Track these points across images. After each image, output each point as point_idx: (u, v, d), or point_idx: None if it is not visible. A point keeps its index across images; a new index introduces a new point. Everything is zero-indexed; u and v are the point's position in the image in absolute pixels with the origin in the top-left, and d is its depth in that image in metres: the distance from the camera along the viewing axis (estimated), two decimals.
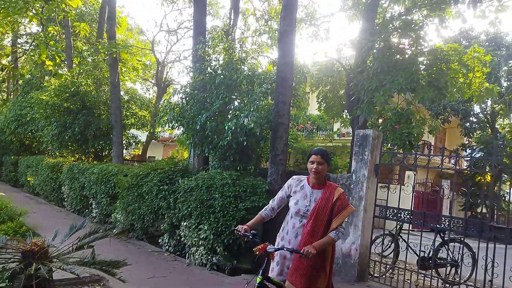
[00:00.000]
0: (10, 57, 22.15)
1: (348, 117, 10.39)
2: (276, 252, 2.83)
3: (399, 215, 5.81)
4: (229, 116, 6.90)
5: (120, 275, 3.38)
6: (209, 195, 5.82)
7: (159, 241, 6.95)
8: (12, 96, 22.19)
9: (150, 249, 6.75)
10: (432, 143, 21.02)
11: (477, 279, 5.28)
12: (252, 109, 6.14)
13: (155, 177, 7.12)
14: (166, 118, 6.99)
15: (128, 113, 13.36)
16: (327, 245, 2.77)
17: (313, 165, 2.89)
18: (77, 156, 12.53)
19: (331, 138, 18.93)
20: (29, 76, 18.42)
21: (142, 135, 16.65)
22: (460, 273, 5.79)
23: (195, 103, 6.89)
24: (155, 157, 18.30)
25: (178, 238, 6.36)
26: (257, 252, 2.63)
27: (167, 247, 6.70)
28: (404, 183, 15.18)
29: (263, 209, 3.14)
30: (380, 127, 8.59)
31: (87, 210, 9.78)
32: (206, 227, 5.62)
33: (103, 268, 3.32)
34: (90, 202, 9.55)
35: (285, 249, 2.73)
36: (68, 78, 12.51)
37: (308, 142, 20.74)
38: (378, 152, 6.17)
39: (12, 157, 16.35)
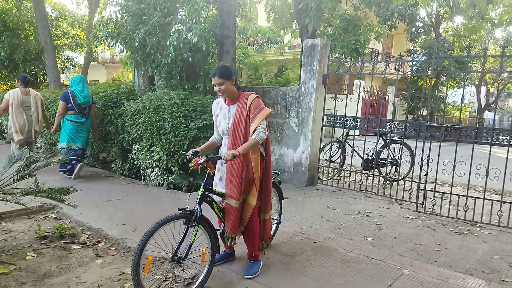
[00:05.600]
0: None
1: (297, 27, 10.10)
2: (217, 167, 3.09)
3: (345, 122, 6.06)
4: (171, 31, 6.42)
5: (70, 200, 3.33)
6: (158, 116, 5.65)
7: (112, 166, 6.85)
8: None
9: (104, 175, 6.67)
10: (380, 51, 21.44)
11: (414, 174, 5.86)
12: (194, 21, 5.72)
13: (98, 102, 6.74)
14: (101, 35, 6.37)
15: (58, 32, 12.05)
16: (250, 147, 2.76)
17: (215, 87, 2.91)
18: (9, 84, 11.44)
19: (282, 51, 18.62)
20: None
21: (79, 57, 15.30)
22: (399, 170, 6.38)
23: (131, 17, 6.29)
24: (97, 80, 17.11)
25: (131, 161, 6.29)
26: (194, 167, 2.72)
27: (121, 171, 6.64)
28: (352, 92, 15.71)
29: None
30: (328, 36, 8.48)
31: (54, 148, 9.26)
32: (158, 149, 5.57)
33: (50, 196, 3.22)
34: (85, 148, 8.98)
35: (210, 157, 2.78)
36: None
37: (259, 56, 20.31)
38: (326, 61, 6.17)
39: None
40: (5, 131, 9.57)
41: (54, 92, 8.66)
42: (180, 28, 6.40)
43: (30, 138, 6.32)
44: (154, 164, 5.75)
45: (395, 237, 4.12)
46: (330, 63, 6.24)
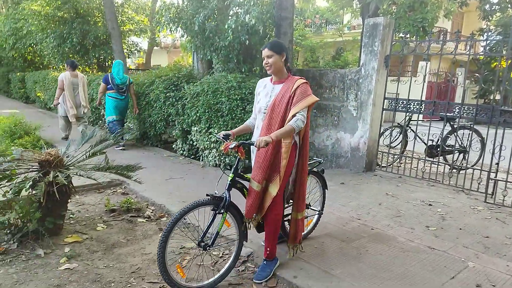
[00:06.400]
0: None
1: (358, 6, 9.64)
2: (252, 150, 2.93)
3: (408, 106, 5.74)
4: (229, 14, 6.46)
5: (136, 177, 3.55)
6: (215, 99, 5.78)
7: (173, 146, 7.18)
8: (3, 9, 21.05)
9: (166, 154, 7.01)
10: (449, 30, 19.81)
11: (484, 163, 5.42)
12: (252, 3, 5.69)
13: (160, 85, 7.05)
14: (163, 20, 6.59)
15: (124, 18, 12.69)
16: (285, 134, 2.56)
17: (264, 61, 2.75)
18: (80, 68, 12.34)
19: (341, 32, 17.95)
20: None
21: (143, 43, 16.06)
22: (467, 158, 5.93)
23: (191, 1, 6.42)
24: (160, 65, 17.86)
25: (190, 142, 6.53)
26: (224, 151, 2.62)
27: (181, 151, 6.94)
28: (417, 74, 14.78)
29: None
30: (392, 14, 7.99)
31: (100, 121, 10.00)
32: (216, 131, 5.72)
33: (119, 172, 3.47)
34: (101, 113, 9.68)
35: (242, 142, 2.65)
36: None
37: (317, 38, 19.75)
38: (389, 42, 5.84)
39: (18, 74, 16.25)
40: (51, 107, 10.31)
41: None
42: (238, 11, 6.41)
43: (80, 113, 7.73)
44: (212, 146, 5.93)
45: (460, 228, 3.88)
46: (393, 43, 5.90)
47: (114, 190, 4.86)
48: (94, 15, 11.94)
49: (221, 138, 2.75)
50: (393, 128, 6.47)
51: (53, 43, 11.70)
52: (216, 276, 2.70)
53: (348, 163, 6.26)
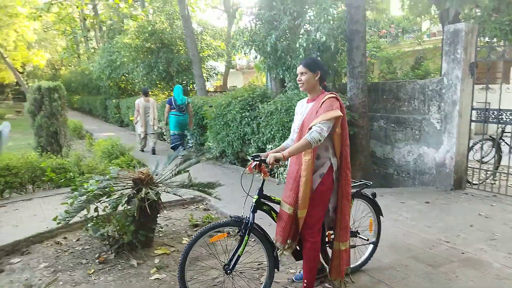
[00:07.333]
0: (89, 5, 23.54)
1: (437, 12, 9.11)
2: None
3: (500, 116, 5.22)
4: (300, 33, 6.59)
5: (216, 194, 3.76)
6: (289, 117, 5.88)
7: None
8: (100, 44, 24.04)
9: (242, 172, 7.26)
10: None
11: None
12: (322, 20, 5.74)
13: (236, 105, 7.39)
14: (237, 44, 6.96)
15: (203, 45, 13.61)
16: (299, 149, 2.38)
17: (297, 76, 2.65)
18: (166, 93, 13.47)
19: (419, 40, 17.01)
20: (110, 21, 19.55)
21: (220, 66, 16.99)
22: None
23: (263, 24, 6.69)
24: (236, 86, 18.72)
25: None
26: (248, 172, 2.54)
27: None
28: (510, 81, 13.32)
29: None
30: (474, 18, 7.39)
31: (184, 142, 10.74)
32: None
33: (200, 189, 3.72)
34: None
35: (255, 159, 2.53)
36: (143, 18, 13.00)
37: (393, 48, 18.94)
38: (473, 48, 5.42)
39: (114, 101, 18.25)
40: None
41: (201, 98, 9.86)
42: (308, 29, 6.51)
43: (150, 130, 9.62)
44: (286, 163, 6.00)
45: None
46: (478, 49, 5.46)
47: (197, 206, 5.17)
48: (177, 44, 13.02)
49: (250, 158, 2.66)
50: (484, 141, 5.91)
51: (142, 71, 13.00)
52: None
53: (434, 180, 5.84)
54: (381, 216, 3.15)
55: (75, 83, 25.07)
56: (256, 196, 2.59)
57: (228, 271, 2.56)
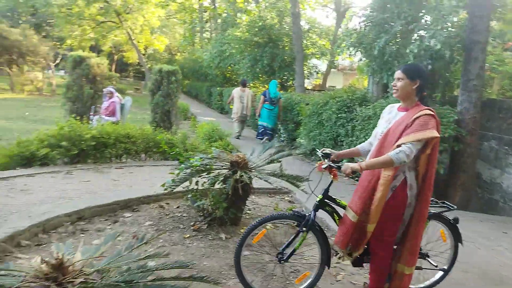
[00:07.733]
0: None
1: None
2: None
3: None
4: (412, 38, 6.31)
5: (303, 187, 3.93)
6: None
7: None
8: (213, 35, 25.84)
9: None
10: None
11: None
12: (439, 27, 5.43)
13: (333, 106, 7.41)
14: (344, 45, 6.96)
15: (308, 43, 13.78)
16: (380, 164, 2.28)
17: (393, 81, 2.50)
18: (266, 86, 14.00)
19: None
20: (225, 14, 20.89)
21: (322, 65, 16.97)
22: None
23: (373, 27, 6.56)
24: (335, 86, 18.48)
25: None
26: (317, 170, 2.56)
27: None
28: None
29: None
30: None
31: (276, 135, 11.13)
32: None
33: (289, 180, 3.93)
34: (278, 127, 10.79)
35: (331, 165, 2.50)
36: (256, 13, 13.66)
37: None
38: None
39: (218, 88, 19.55)
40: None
41: (299, 95, 10.08)
42: (422, 34, 6.21)
43: (242, 117, 10.43)
44: None
45: None
46: None
47: (282, 197, 5.42)
48: (283, 40, 13.42)
49: (320, 155, 2.67)
50: None
51: (247, 64, 13.71)
52: None
53: None
54: (460, 243, 2.90)
55: (187, 69, 27.40)
56: (320, 196, 2.64)
57: (282, 261, 2.69)
